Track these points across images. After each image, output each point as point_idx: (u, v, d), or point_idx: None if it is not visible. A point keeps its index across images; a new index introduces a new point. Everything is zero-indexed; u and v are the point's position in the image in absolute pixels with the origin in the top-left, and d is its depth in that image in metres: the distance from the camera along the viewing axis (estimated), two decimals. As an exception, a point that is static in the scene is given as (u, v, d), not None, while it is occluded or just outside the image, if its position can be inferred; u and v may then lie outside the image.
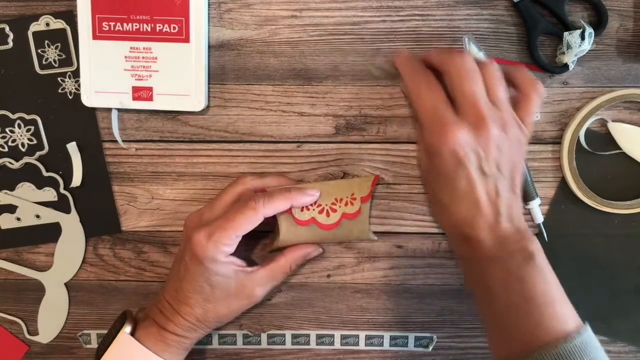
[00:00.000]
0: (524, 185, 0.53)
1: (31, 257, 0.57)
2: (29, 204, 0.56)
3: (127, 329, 0.50)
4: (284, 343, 0.58)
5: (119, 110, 0.55)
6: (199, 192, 0.56)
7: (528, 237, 0.46)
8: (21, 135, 0.55)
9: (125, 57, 0.52)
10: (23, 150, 0.56)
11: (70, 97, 0.55)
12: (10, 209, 0.56)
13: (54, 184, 0.56)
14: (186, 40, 0.52)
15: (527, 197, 0.54)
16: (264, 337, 0.58)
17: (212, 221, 0.49)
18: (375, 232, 0.56)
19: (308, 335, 0.58)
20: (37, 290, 0.58)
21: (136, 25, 0.52)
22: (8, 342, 0.59)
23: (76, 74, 0.54)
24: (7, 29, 0.54)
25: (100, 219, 0.56)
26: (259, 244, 0.56)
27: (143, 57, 0.52)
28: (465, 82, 0.45)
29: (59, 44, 0.54)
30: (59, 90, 0.55)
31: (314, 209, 0.52)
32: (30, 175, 0.56)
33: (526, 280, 0.44)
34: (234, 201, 0.51)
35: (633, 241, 0.55)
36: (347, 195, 0.52)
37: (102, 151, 0.55)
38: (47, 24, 0.54)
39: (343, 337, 0.58)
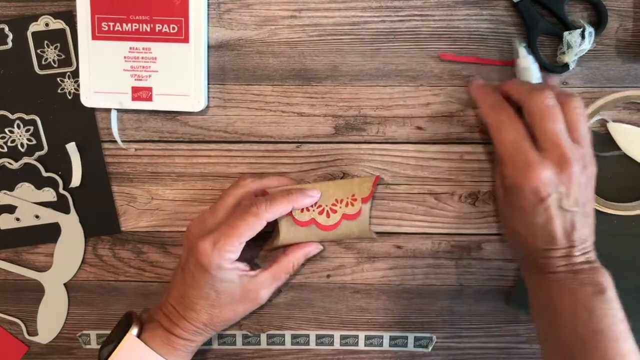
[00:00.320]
0: None
1: (30, 257, 0.57)
2: (29, 204, 0.56)
3: (134, 331, 0.50)
4: (283, 343, 0.58)
5: (118, 110, 0.55)
6: (198, 193, 0.56)
7: (599, 270, 0.46)
8: (20, 136, 0.55)
9: (125, 57, 0.52)
10: (22, 150, 0.56)
11: (70, 98, 0.55)
12: (10, 209, 0.56)
13: (53, 184, 0.56)
14: (185, 40, 0.52)
15: None
16: (263, 337, 0.58)
17: (215, 227, 0.49)
18: (375, 232, 0.56)
19: (308, 336, 0.58)
20: (37, 291, 0.58)
21: (135, 26, 0.52)
22: (8, 342, 0.59)
23: (75, 74, 0.54)
24: (6, 29, 0.54)
25: (100, 219, 0.56)
26: (259, 246, 0.56)
27: (142, 58, 0.52)
28: (547, 121, 0.45)
29: (58, 44, 0.54)
30: (59, 91, 0.55)
31: (314, 210, 0.52)
32: (29, 175, 0.56)
33: (595, 313, 0.44)
34: (235, 205, 0.51)
35: (633, 241, 0.55)
36: (347, 196, 0.52)
37: (102, 151, 0.55)
38: (47, 24, 0.54)
39: (342, 337, 0.58)
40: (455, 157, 0.55)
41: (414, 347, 0.58)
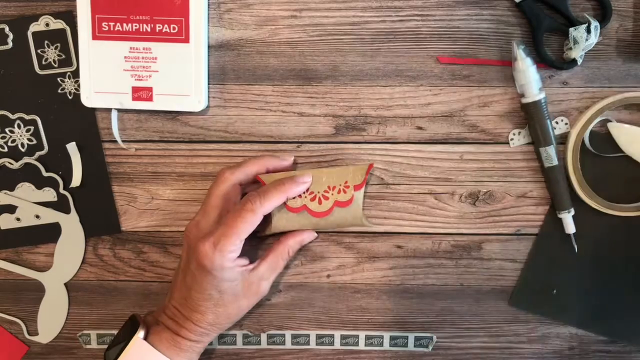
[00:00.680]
0: (561, 194, 0.53)
1: (31, 257, 0.57)
2: (29, 204, 0.56)
3: (141, 334, 0.50)
4: (283, 343, 0.58)
5: (118, 110, 0.55)
6: (198, 192, 0.56)
7: None
8: (21, 136, 0.55)
9: (125, 57, 0.52)
10: (23, 150, 0.56)
11: (70, 97, 0.55)
12: (10, 209, 0.56)
13: (53, 184, 0.56)
14: (186, 40, 0.52)
15: (561, 207, 0.54)
16: (263, 337, 0.58)
17: (211, 228, 0.49)
18: (375, 233, 0.56)
19: (308, 336, 0.58)
20: (37, 291, 0.58)
21: (136, 26, 0.52)
22: (8, 342, 0.59)
23: (76, 74, 0.54)
24: (7, 29, 0.54)
25: (100, 219, 0.56)
26: (253, 238, 0.56)
27: (143, 58, 0.52)
28: None
29: (58, 44, 0.54)
30: (59, 91, 0.55)
31: (306, 196, 0.52)
32: (30, 175, 0.56)
33: None
34: (223, 202, 0.51)
35: (633, 241, 0.55)
36: (340, 183, 0.52)
37: (102, 151, 0.55)
38: (47, 24, 0.54)
39: (343, 337, 0.58)
40: (455, 157, 0.55)
41: (414, 347, 0.58)
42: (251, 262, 0.52)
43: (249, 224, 0.48)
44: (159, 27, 0.52)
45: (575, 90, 0.53)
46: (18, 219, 0.56)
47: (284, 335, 0.58)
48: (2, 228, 0.57)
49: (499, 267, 0.56)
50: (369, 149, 0.55)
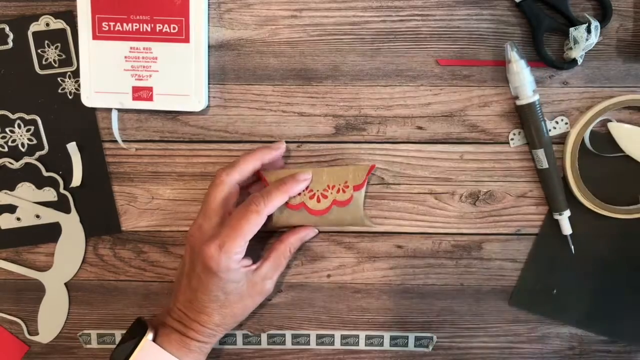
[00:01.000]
0: (555, 196, 0.53)
1: (31, 257, 0.57)
2: (29, 204, 0.56)
3: (150, 336, 0.50)
4: (284, 343, 0.58)
5: (119, 110, 0.55)
6: (199, 192, 0.56)
7: None
8: (21, 135, 0.55)
9: (125, 57, 0.52)
10: (23, 150, 0.56)
11: (70, 97, 0.55)
12: (10, 209, 0.56)
13: (54, 184, 0.56)
14: (186, 40, 0.52)
15: (555, 208, 0.54)
16: (264, 337, 0.58)
17: (214, 231, 0.49)
18: (375, 233, 0.56)
19: (308, 335, 0.58)
20: (37, 290, 0.58)
21: (136, 26, 0.52)
22: (8, 342, 0.59)
23: (76, 74, 0.54)
24: (7, 29, 0.54)
25: (100, 219, 0.56)
26: (255, 238, 0.56)
27: (143, 57, 0.52)
28: None
29: (58, 44, 0.54)
30: (59, 90, 0.55)
31: (305, 194, 0.52)
32: (30, 175, 0.56)
33: None
34: (223, 204, 0.50)
35: (633, 241, 0.55)
36: (340, 182, 0.52)
37: (102, 151, 0.55)
38: (47, 24, 0.54)
39: (343, 337, 0.58)
40: (455, 157, 0.55)
41: (415, 347, 0.58)
42: (254, 262, 0.52)
43: (253, 225, 0.48)
44: (159, 27, 0.52)
45: (575, 90, 0.53)
46: (18, 219, 0.56)
47: (284, 335, 0.58)
48: (2, 228, 0.57)
49: (499, 267, 0.56)
50: (369, 149, 0.55)
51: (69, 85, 0.54)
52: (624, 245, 0.55)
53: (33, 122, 0.55)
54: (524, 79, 0.51)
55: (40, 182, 0.56)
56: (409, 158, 0.55)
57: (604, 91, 0.53)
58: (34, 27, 0.54)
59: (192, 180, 0.56)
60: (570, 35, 0.50)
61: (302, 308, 0.58)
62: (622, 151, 0.54)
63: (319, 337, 0.58)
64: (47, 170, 0.56)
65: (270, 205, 0.49)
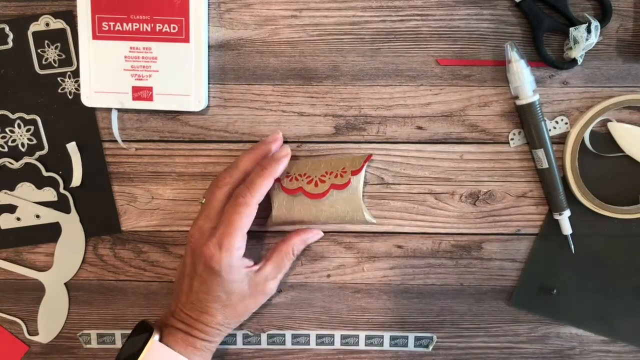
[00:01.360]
0: (555, 195, 0.53)
1: (31, 257, 0.57)
2: (29, 204, 0.56)
3: (156, 337, 0.50)
4: (284, 343, 0.58)
5: (119, 110, 0.55)
6: (198, 192, 0.56)
7: None
8: (21, 135, 0.55)
9: (125, 57, 0.52)
10: (23, 150, 0.56)
11: (70, 97, 0.55)
12: (10, 209, 0.56)
13: (53, 183, 0.56)
14: (186, 40, 0.52)
15: (555, 208, 0.54)
16: (264, 337, 0.58)
17: (213, 232, 0.49)
18: (375, 232, 0.56)
19: (308, 335, 0.58)
20: (37, 290, 0.58)
21: (136, 25, 0.52)
22: (8, 342, 0.59)
23: (76, 74, 0.54)
24: (7, 29, 0.54)
25: (100, 218, 0.56)
26: (257, 239, 0.56)
27: (143, 57, 0.52)
28: None
29: (58, 44, 0.54)
30: (59, 90, 0.55)
31: (302, 180, 0.52)
32: (30, 175, 0.56)
33: None
34: (226, 205, 0.51)
35: (633, 241, 0.55)
36: (338, 169, 0.52)
37: (102, 151, 0.55)
38: (47, 24, 0.54)
39: (343, 337, 0.58)
40: (455, 157, 0.55)
41: (415, 347, 0.58)
42: (256, 263, 0.53)
43: (245, 217, 0.48)
44: (159, 26, 0.52)
45: (575, 90, 0.53)
46: (18, 219, 0.56)
47: (284, 335, 0.58)
48: (2, 228, 0.57)
49: (499, 267, 0.56)
50: (369, 149, 0.55)
51: (69, 85, 0.54)
52: (624, 245, 0.55)
53: (33, 122, 0.55)
54: (524, 78, 0.51)
55: (40, 182, 0.56)
56: (408, 158, 0.55)
57: (604, 91, 0.53)
58: (34, 27, 0.54)
59: (192, 180, 0.56)
60: (570, 35, 0.50)
61: (302, 308, 0.58)
62: (622, 151, 0.54)
63: (319, 337, 0.58)
64: (47, 170, 0.56)
65: (257, 193, 0.49)
